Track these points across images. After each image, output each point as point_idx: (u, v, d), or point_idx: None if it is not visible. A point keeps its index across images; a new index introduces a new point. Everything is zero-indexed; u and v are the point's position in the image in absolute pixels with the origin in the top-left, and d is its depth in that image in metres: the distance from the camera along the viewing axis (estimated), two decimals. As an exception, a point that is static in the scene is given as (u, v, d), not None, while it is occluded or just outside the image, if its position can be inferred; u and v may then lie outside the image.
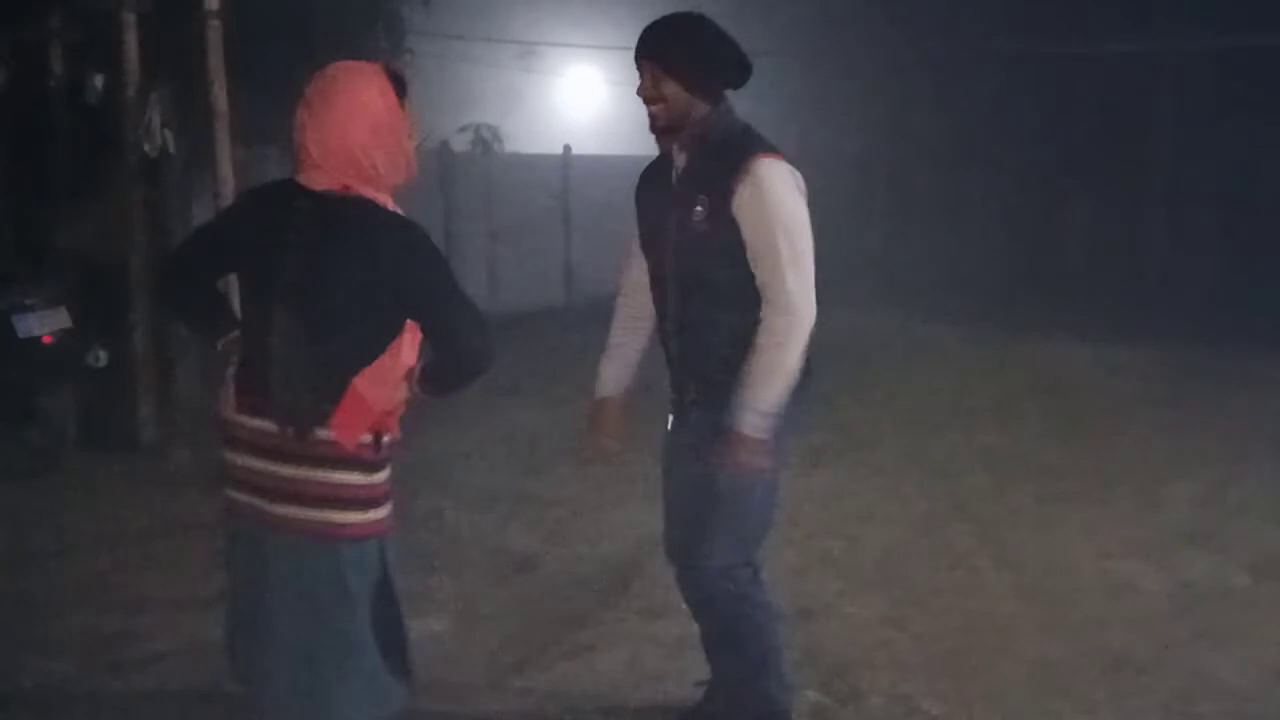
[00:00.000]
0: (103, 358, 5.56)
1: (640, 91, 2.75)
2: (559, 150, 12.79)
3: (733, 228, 2.64)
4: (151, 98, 5.90)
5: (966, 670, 3.49)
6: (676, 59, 2.70)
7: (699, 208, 2.67)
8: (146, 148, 5.86)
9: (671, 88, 2.70)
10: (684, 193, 2.73)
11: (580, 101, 16.90)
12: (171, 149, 5.92)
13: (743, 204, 2.63)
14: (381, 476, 2.30)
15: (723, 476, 2.71)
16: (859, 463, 5.93)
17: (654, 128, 2.76)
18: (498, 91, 16.22)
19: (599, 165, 12.84)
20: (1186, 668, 3.51)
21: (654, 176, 2.89)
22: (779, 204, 2.62)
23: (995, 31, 12.47)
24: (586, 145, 13.87)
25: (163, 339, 6.07)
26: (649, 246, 2.88)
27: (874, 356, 9.03)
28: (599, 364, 3.09)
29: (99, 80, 6.18)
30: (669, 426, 2.96)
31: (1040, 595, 4.10)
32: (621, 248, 3.08)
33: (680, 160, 2.77)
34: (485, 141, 13.60)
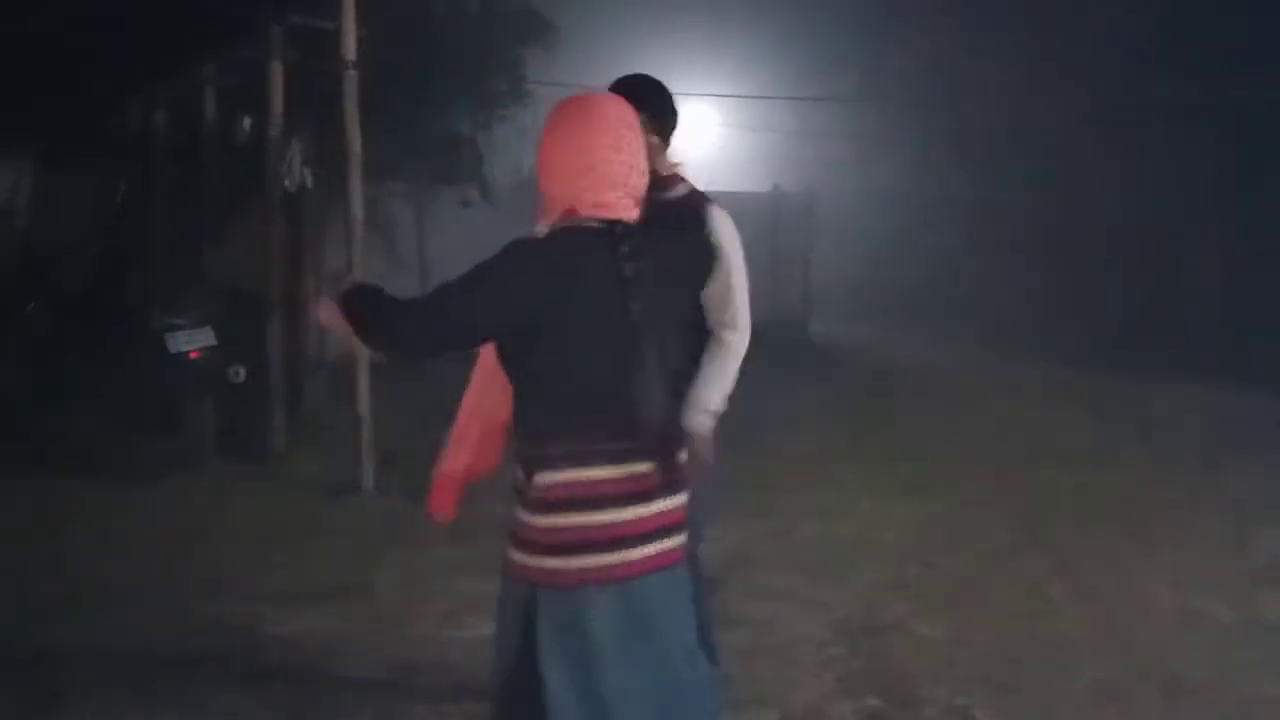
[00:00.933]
0: (241, 374, 6.10)
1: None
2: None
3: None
4: (294, 139, 6.47)
5: (1024, 686, 3.64)
6: (662, 114, 2.97)
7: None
8: (287, 183, 6.43)
9: (653, 140, 2.89)
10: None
11: (694, 141, 17.36)
12: (310, 185, 6.47)
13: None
14: None
15: None
16: (947, 494, 6.06)
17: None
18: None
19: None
20: (1244, 693, 3.59)
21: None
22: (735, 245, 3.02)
23: (1125, 74, 12.38)
24: (698, 183, 14.25)
25: (294, 359, 6.63)
26: None
27: (978, 393, 9.10)
28: None
29: (247, 122, 6.82)
30: None
31: (1108, 622, 4.21)
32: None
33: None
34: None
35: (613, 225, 2.08)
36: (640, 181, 2.14)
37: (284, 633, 4.08)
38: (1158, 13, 12.00)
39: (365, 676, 3.71)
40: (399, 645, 3.95)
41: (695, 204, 3.00)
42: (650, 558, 2.09)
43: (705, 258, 2.85)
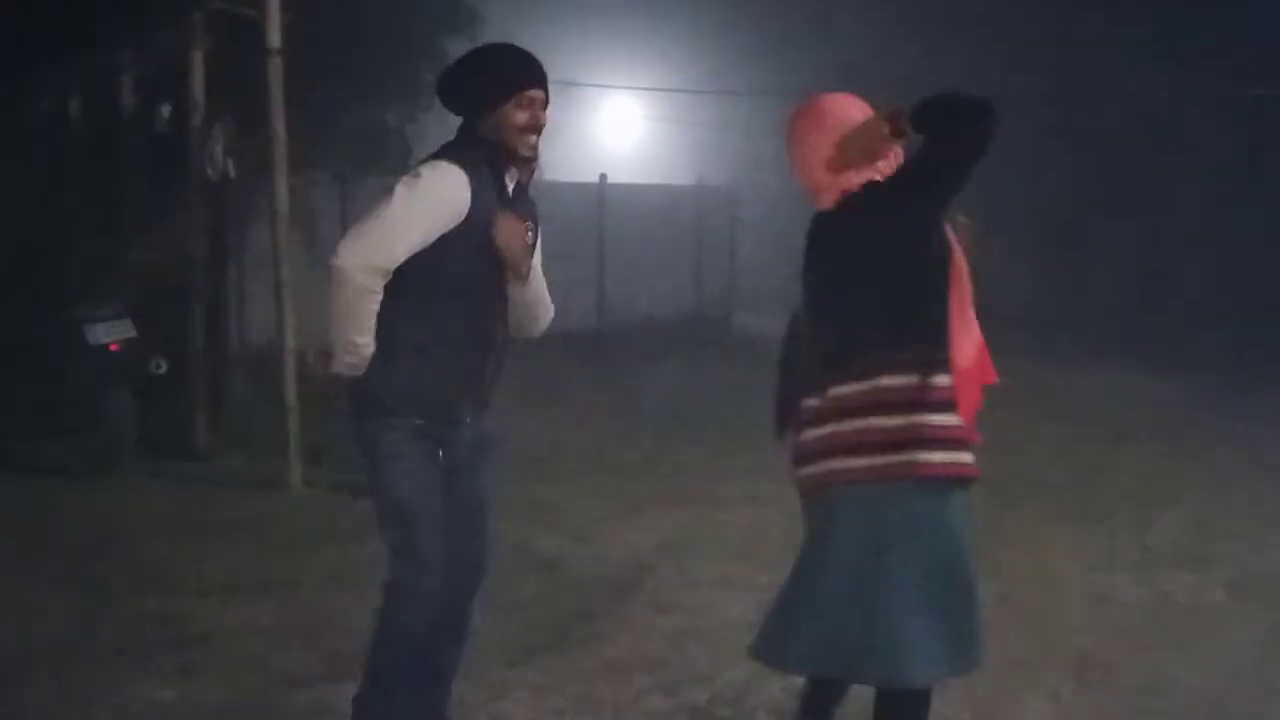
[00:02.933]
0: (163, 365, 5.99)
1: (541, 121, 2.82)
2: (595, 179, 13.19)
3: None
4: (215, 127, 6.37)
5: (945, 664, 3.78)
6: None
7: (530, 228, 2.89)
8: (209, 173, 6.33)
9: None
10: (520, 213, 2.85)
11: (618, 134, 17.41)
12: (233, 175, 6.37)
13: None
14: None
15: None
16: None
17: (532, 156, 2.83)
18: (539, 123, 16.61)
19: (634, 194, 13.26)
20: (1151, 669, 3.79)
21: (488, 188, 2.78)
22: None
23: (1029, 69, 12.71)
24: (622, 175, 14.29)
25: (217, 352, 6.52)
26: (488, 261, 2.79)
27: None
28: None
29: (166, 110, 6.68)
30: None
31: (1022, 602, 4.38)
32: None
33: (511, 183, 2.85)
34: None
35: None
36: None
37: (216, 627, 4.05)
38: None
39: (301, 670, 3.71)
40: (334, 638, 3.95)
41: None
42: None
43: None
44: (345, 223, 9.79)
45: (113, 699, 3.46)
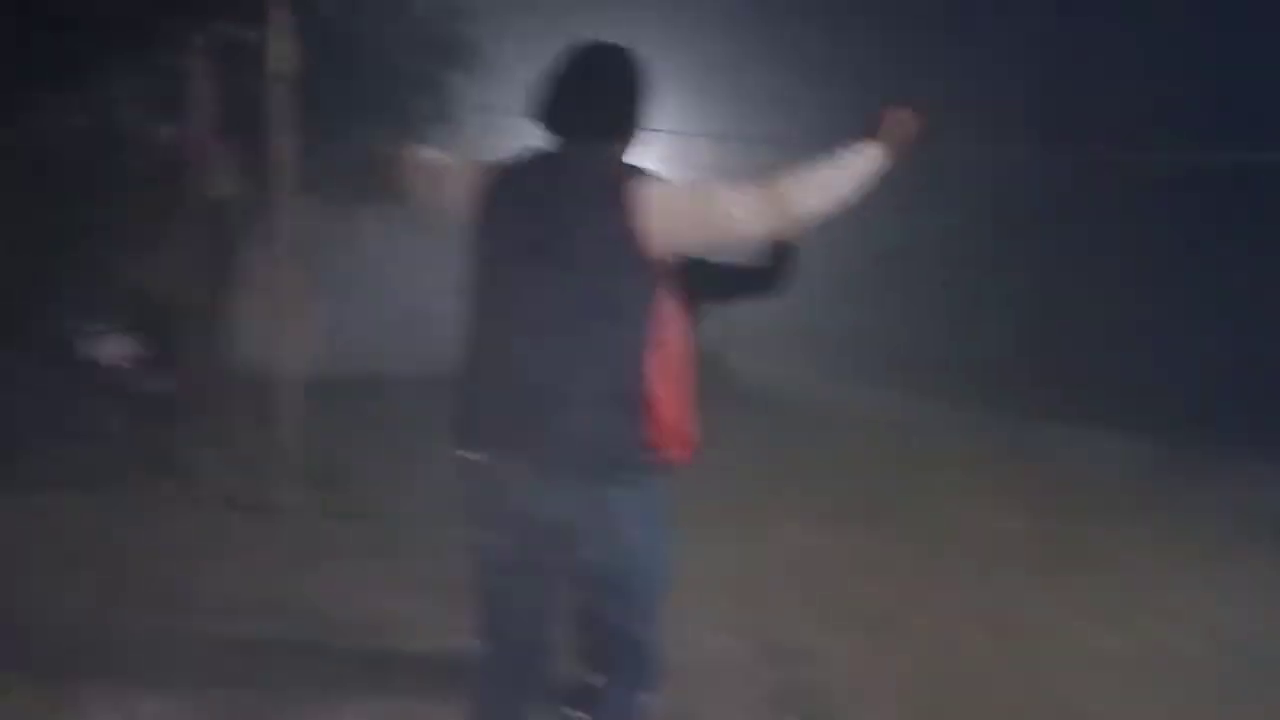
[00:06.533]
0: (160, 385, 5.96)
1: None
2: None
3: None
4: (217, 147, 6.37)
5: (940, 708, 3.82)
6: None
7: None
8: (211, 193, 6.32)
9: None
10: None
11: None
12: (234, 194, 6.38)
13: None
14: None
15: None
16: (858, 525, 6.23)
17: None
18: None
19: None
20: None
21: None
22: None
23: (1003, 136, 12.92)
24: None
25: (215, 372, 6.48)
26: None
27: (879, 428, 9.35)
28: None
29: (169, 130, 6.70)
30: None
31: (1017, 655, 4.42)
32: None
33: None
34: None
35: None
36: None
37: (212, 645, 4.02)
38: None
39: (296, 689, 3.70)
40: (328, 658, 3.95)
41: None
42: None
43: None
44: (344, 248, 9.76)
45: (115, 709, 3.46)
